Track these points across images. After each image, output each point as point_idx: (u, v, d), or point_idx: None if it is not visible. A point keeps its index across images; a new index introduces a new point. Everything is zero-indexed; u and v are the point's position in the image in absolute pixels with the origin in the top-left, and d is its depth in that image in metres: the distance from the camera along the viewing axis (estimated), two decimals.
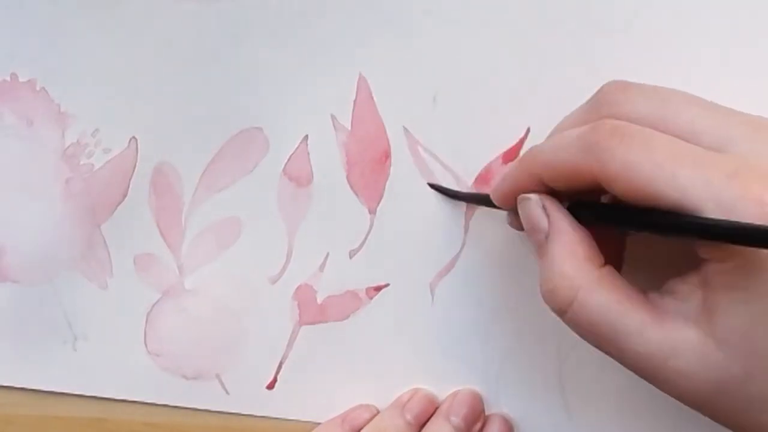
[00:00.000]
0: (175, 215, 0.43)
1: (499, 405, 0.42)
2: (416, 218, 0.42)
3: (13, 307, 0.44)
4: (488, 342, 0.42)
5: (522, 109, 0.41)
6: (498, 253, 0.41)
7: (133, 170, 0.43)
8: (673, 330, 0.31)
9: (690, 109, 0.32)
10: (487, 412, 0.42)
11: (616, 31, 0.40)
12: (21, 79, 0.43)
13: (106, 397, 0.45)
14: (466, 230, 0.41)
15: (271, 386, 0.43)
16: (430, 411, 0.42)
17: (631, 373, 0.38)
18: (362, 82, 0.42)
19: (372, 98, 0.42)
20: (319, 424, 0.43)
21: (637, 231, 0.33)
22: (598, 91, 0.34)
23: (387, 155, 0.42)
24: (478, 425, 0.42)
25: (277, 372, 0.43)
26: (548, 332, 0.41)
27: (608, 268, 0.33)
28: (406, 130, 0.41)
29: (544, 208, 0.34)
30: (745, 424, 0.31)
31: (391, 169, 0.42)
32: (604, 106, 0.33)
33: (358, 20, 0.41)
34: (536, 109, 0.41)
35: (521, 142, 0.41)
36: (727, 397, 0.31)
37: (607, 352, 0.33)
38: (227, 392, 0.44)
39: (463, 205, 0.41)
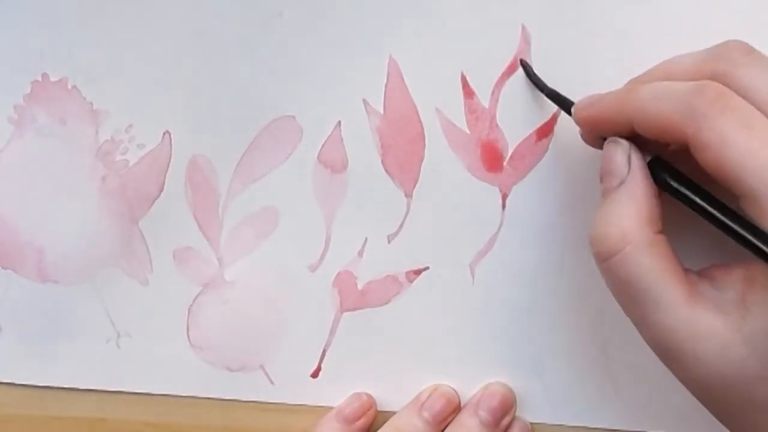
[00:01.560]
0: (212, 207, 0.44)
1: (544, 385, 0.43)
2: (453, 199, 0.43)
3: (55, 307, 0.46)
4: (531, 321, 0.43)
5: (554, 85, 0.41)
6: (537, 231, 0.43)
7: (168, 164, 0.44)
8: (702, 313, 0.32)
9: None
10: (531, 391, 0.43)
11: (644, 4, 0.41)
12: (52, 79, 0.45)
13: (107, 397, 0.46)
14: (504, 209, 0.42)
15: (315, 374, 0.44)
16: (448, 409, 0.43)
17: None
18: (393, 64, 0.43)
19: (403, 80, 0.43)
20: None
21: (699, 214, 0.34)
22: (721, 45, 0.35)
23: (421, 137, 0.43)
24: (508, 419, 0.43)
25: (321, 360, 0.44)
26: (592, 309, 0.43)
27: (663, 237, 0.34)
28: (438, 111, 0.42)
29: (629, 157, 0.34)
30: (742, 424, 0.33)
31: (426, 151, 0.43)
32: (721, 61, 0.34)
33: (385, 2, 0.42)
34: (569, 84, 0.41)
35: (554, 117, 0.42)
36: (732, 395, 0.32)
37: (629, 314, 0.34)
38: (272, 382, 0.45)
39: (499, 184, 0.42)
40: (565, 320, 0.43)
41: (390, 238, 0.44)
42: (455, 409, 0.43)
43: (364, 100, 0.43)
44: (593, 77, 0.41)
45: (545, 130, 0.42)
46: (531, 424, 0.43)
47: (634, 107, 0.34)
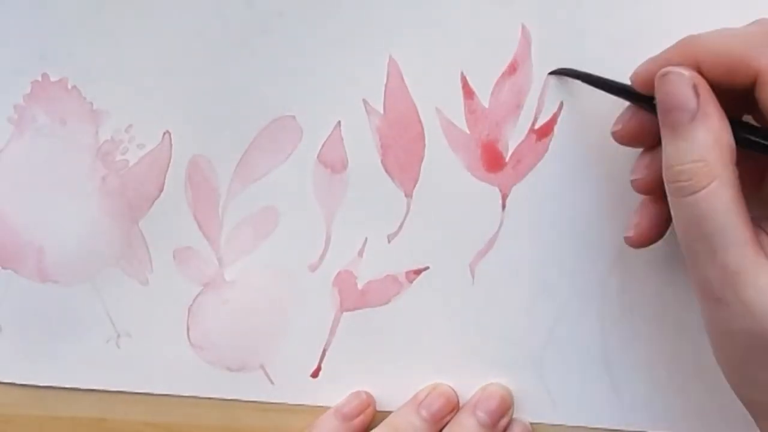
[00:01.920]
0: (212, 207, 0.44)
1: (544, 385, 0.43)
2: (453, 199, 0.43)
3: (56, 307, 0.46)
4: (531, 321, 0.43)
5: (554, 84, 0.42)
6: (536, 231, 0.43)
7: (168, 164, 0.45)
8: (765, 262, 0.32)
9: None
10: (531, 391, 0.43)
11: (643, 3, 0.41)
12: (52, 79, 0.45)
13: (106, 397, 0.47)
14: (504, 209, 0.42)
15: (315, 374, 0.45)
16: (447, 408, 0.43)
17: (677, 348, 0.40)
18: (393, 64, 0.43)
19: (403, 80, 0.43)
20: None
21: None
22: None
23: (421, 137, 0.43)
24: (505, 420, 0.43)
25: (321, 360, 0.44)
26: (591, 309, 0.43)
27: (737, 171, 0.33)
28: (438, 111, 0.42)
29: (695, 87, 0.34)
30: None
31: (426, 151, 0.43)
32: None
33: (385, 2, 0.42)
34: (569, 84, 0.41)
35: (554, 117, 0.42)
36: None
37: (693, 250, 0.33)
38: (272, 382, 0.45)
39: (499, 184, 0.42)
40: (565, 320, 0.43)
41: (390, 238, 0.44)
42: (454, 408, 0.43)
43: (364, 100, 0.43)
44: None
45: (545, 130, 0.42)
46: (531, 424, 0.43)
47: (701, 46, 0.34)
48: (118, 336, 0.46)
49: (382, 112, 0.43)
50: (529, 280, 0.43)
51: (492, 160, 0.43)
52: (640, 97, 0.37)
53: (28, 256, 0.46)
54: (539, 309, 0.43)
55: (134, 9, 0.44)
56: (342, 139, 0.44)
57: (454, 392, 0.44)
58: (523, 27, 0.42)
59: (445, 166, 0.43)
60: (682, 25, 0.40)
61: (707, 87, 0.34)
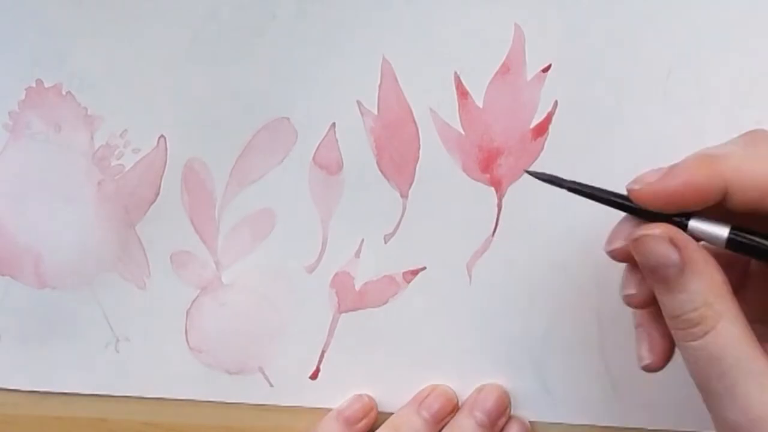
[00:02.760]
0: (209, 211, 0.44)
1: (543, 384, 0.43)
2: (449, 199, 0.43)
3: (54, 312, 0.46)
4: (529, 319, 0.43)
5: (548, 82, 0.41)
6: (533, 231, 0.43)
7: (164, 168, 0.45)
8: None
9: None
10: (530, 390, 0.43)
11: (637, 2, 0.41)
12: (46, 85, 0.45)
13: (107, 397, 0.47)
14: (500, 209, 0.43)
15: (314, 376, 0.45)
16: (447, 408, 0.44)
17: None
18: (386, 65, 0.43)
19: (396, 81, 0.43)
20: None
21: None
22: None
23: (415, 138, 0.43)
24: (503, 420, 0.43)
25: (320, 361, 0.45)
26: (588, 308, 0.43)
27: (737, 302, 0.33)
28: (432, 111, 0.42)
29: (671, 241, 0.33)
30: None
31: (421, 151, 0.43)
32: None
33: (378, 3, 0.42)
34: (563, 83, 0.41)
35: (549, 116, 0.42)
36: None
37: (712, 389, 0.33)
38: (271, 385, 0.45)
39: (495, 184, 0.42)
40: (563, 319, 0.43)
41: (386, 239, 0.44)
42: (453, 408, 0.43)
43: (358, 102, 0.43)
44: (587, 77, 0.41)
45: (540, 129, 0.42)
46: (530, 422, 0.44)
47: (732, 168, 0.32)
48: (117, 340, 0.46)
49: (376, 113, 0.43)
50: (526, 279, 0.43)
51: (487, 160, 0.43)
52: (645, 213, 0.34)
53: (26, 262, 0.46)
54: (537, 308, 0.43)
55: (127, 14, 0.44)
56: (337, 141, 0.44)
57: (454, 393, 0.44)
58: (516, 26, 0.42)
59: (441, 167, 0.43)
60: (678, 24, 0.41)
61: (683, 234, 0.33)
